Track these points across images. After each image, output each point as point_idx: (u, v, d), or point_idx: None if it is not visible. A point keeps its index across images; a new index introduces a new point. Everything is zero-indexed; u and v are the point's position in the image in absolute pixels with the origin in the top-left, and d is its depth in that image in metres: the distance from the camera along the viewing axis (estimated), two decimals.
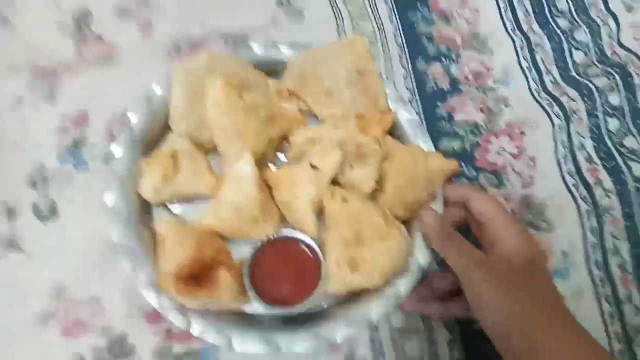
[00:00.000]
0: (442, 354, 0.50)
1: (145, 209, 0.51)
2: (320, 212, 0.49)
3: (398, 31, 0.66)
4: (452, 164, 0.51)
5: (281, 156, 0.55)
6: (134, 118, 0.52)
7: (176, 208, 0.52)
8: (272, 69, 0.57)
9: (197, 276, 0.42)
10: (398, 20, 0.67)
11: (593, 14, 0.69)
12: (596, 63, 0.65)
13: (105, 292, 0.49)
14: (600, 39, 0.67)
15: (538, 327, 0.39)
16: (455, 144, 0.60)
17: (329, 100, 0.55)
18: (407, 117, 0.55)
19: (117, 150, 0.51)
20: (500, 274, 0.42)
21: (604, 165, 0.59)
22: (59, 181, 0.53)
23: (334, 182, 0.50)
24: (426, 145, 0.54)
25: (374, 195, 0.51)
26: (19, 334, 0.47)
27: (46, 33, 0.62)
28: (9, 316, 0.47)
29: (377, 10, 0.67)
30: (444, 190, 0.51)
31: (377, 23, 0.67)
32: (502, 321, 0.40)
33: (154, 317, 0.47)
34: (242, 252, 0.49)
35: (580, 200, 0.57)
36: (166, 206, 0.52)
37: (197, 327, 0.44)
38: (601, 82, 0.63)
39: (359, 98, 0.55)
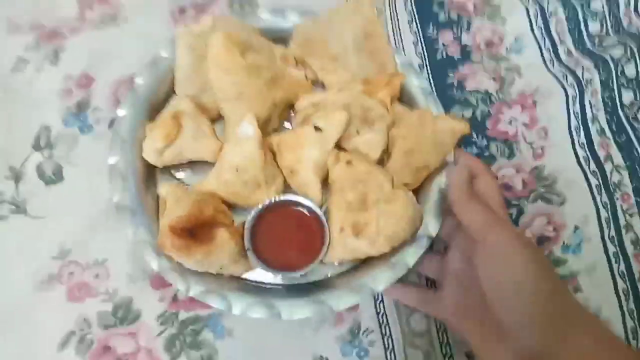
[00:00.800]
0: (449, 330, 0.49)
1: (149, 172, 0.50)
2: (325, 178, 0.48)
3: None
4: (462, 124, 0.49)
5: (288, 126, 0.54)
6: (139, 81, 0.52)
7: (180, 174, 0.52)
8: (279, 37, 0.56)
9: (194, 231, 0.42)
10: None
11: None
12: (612, 33, 0.63)
13: (111, 256, 0.49)
14: (618, 8, 0.65)
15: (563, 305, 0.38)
16: (466, 113, 0.58)
17: (336, 65, 0.54)
18: (417, 83, 0.54)
19: (122, 112, 0.50)
20: (521, 237, 0.40)
21: (615, 140, 0.57)
22: (64, 144, 0.53)
23: (340, 148, 0.49)
24: (437, 111, 0.53)
25: (381, 161, 0.50)
26: (24, 297, 0.47)
27: None
28: (15, 279, 0.47)
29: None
30: (457, 153, 0.49)
31: None
32: (519, 288, 0.38)
33: (159, 282, 0.47)
34: (244, 219, 0.47)
35: (590, 175, 0.56)
36: (170, 172, 0.52)
37: (196, 289, 0.44)
38: (617, 52, 0.61)
39: (367, 63, 0.53)
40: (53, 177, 0.51)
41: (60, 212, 0.50)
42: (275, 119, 0.52)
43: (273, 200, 0.47)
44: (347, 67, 0.53)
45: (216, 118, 0.53)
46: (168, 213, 0.43)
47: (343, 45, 0.53)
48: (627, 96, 0.60)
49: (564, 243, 0.53)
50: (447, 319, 0.45)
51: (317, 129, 0.47)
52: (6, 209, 0.50)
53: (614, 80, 0.60)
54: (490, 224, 0.41)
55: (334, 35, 0.54)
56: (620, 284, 0.51)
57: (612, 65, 0.61)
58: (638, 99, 0.60)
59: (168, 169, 0.51)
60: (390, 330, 0.49)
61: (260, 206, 0.46)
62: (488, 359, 0.41)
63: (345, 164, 0.46)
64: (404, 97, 0.53)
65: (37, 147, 0.52)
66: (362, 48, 0.53)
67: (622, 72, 0.61)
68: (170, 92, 0.52)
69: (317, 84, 0.55)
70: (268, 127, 0.51)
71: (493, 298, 0.39)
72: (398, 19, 0.63)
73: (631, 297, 0.51)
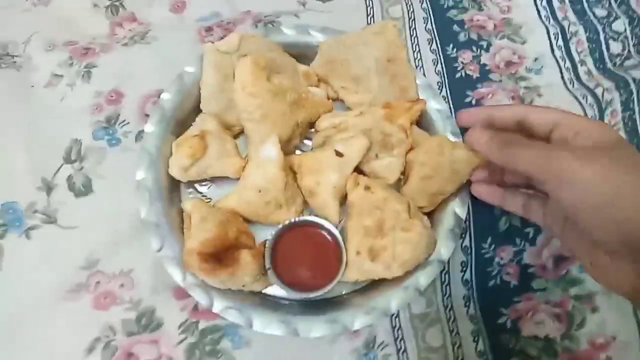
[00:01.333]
0: (465, 345, 0.50)
1: (174, 187, 0.53)
2: (343, 200, 0.50)
3: (428, 16, 0.65)
4: (478, 157, 0.50)
5: (308, 143, 0.55)
6: (166, 97, 0.54)
7: (204, 188, 0.54)
8: (302, 54, 0.58)
9: (219, 255, 0.44)
10: (429, 5, 0.66)
11: (633, 4, 0.66)
12: (634, 54, 0.63)
13: (136, 267, 0.50)
14: None
15: None
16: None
17: (357, 87, 0.55)
18: (436, 107, 0.55)
19: (149, 128, 0.52)
20: (590, 151, 0.36)
21: None
22: (93, 157, 0.55)
23: (358, 170, 0.50)
24: (455, 137, 0.54)
25: (398, 184, 0.51)
26: (53, 304, 0.49)
27: (83, 12, 0.63)
28: (44, 287, 0.49)
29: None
30: (495, 110, 0.46)
31: (407, 8, 0.66)
32: (610, 199, 0.34)
33: (181, 293, 0.49)
34: (264, 235, 0.50)
35: None
36: (194, 185, 0.54)
37: (218, 305, 0.46)
38: (638, 73, 0.61)
39: (388, 86, 0.55)
40: (83, 189, 0.53)
41: (89, 223, 0.52)
42: (297, 138, 0.54)
43: (293, 221, 0.48)
44: (368, 89, 0.54)
45: (239, 134, 0.55)
46: (194, 232, 0.45)
47: (365, 67, 0.55)
48: None
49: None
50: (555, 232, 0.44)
51: (337, 153, 0.48)
52: (38, 219, 0.52)
53: (635, 101, 0.60)
54: (549, 156, 0.37)
55: (357, 56, 0.55)
56: None
57: (633, 85, 0.61)
58: None
59: (192, 183, 0.53)
60: (405, 345, 0.50)
61: (280, 226, 0.48)
62: (604, 280, 0.40)
63: (364, 189, 0.47)
64: (422, 120, 0.55)
65: (68, 159, 0.54)
66: (384, 71, 0.54)
67: None
68: (196, 107, 0.54)
69: (338, 101, 0.57)
70: (289, 145, 0.53)
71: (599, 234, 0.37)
72: (417, 37, 0.64)
73: None
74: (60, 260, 0.50)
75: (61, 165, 0.54)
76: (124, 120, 0.57)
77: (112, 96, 0.57)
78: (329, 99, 0.57)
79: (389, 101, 0.53)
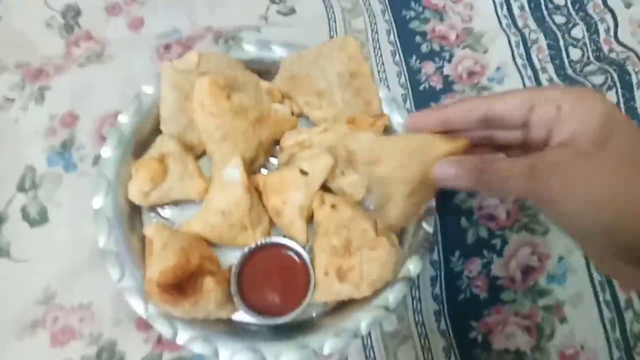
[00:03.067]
0: None
1: (135, 212, 0.51)
2: (309, 219, 0.49)
3: (391, 28, 0.65)
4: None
5: (274, 161, 0.54)
6: (123, 119, 0.52)
7: (167, 212, 0.52)
8: (264, 70, 0.57)
9: (181, 284, 0.42)
10: (391, 17, 0.66)
11: (590, 10, 0.68)
12: (593, 60, 0.64)
13: (95, 298, 0.49)
14: (598, 35, 0.66)
15: None
16: None
17: (321, 102, 0.54)
18: (400, 120, 0.55)
19: (106, 152, 0.50)
20: (574, 155, 0.31)
21: None
22: (48, 184, 0.52)
23: (325, 188, 0.49)
24: None
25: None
26: (5, 344, 0.47)
27: (36, 31, 0.61)
28: None
29: (370, 7, 0.66)
30: (451, 110, 0.38)
31: (369, 20, 0.66)
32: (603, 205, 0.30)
33: (144, 324, 0.47)
34: (229, 258, 0.48)
35: None
36: (156, 209, 0.52)
37: (183, 336, 0.44)
38: (598, 79, 0.62)
39: (352, 100, 0.54)
40: (38, 218, 0.51)
41: (45, 254, 0.50)
42: (262, 156, 0.53)
43: (259, 243, 0.47)
44: (332, 104, 0.54)
45: (201, 154, 0.54)
46: (154, 261, 0.43)
47: (328, 81, 0.54)
48: None
49: (548, 273, 0.53)
50: None
51: (302, 172, 0.48)
52: None
53: None
54: (535, 184, 0.32)
55: (320, 71, 0.54)
56: (606, 314, 0.52)
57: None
58: None
59: (154, 207, 0.52)
60: None
61: (246, 250, 0.47)
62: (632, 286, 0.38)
63: (330, 208, 0.47)
64: (386, 133, 0.54)
65: (21, 188, 0.52)
66: (347, 85, 0.54)
67: None
68: (156, 128, 0.52)
69: (303, 116, 0.56)
70: (254, 164, 0.52)
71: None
72: (381, 49, 0.64)
73: (617, 326, 0.51)
74: (14, 295, 0.48)
75: (14, 194, 0.52)
76: (80, 144, 0.54)
77: (67, 119, 0.55)
78: (293, 114, 0.56)
79: (354, 115, 0.53)
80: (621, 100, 0.61)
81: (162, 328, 0.44)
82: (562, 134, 0.33)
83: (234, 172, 0.47)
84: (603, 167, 0.31)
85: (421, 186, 0.40)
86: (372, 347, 0.50)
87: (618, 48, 0.65)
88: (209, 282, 0.43)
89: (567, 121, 0.33)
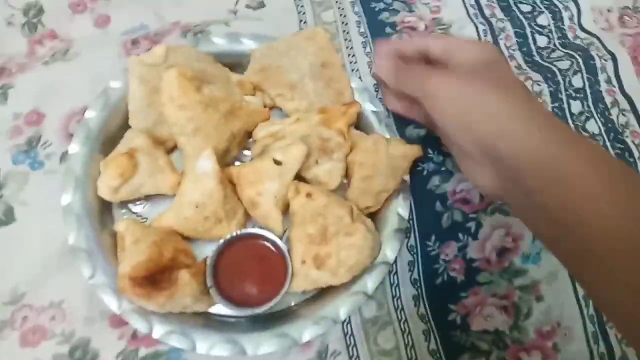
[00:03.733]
0: (417, 345, 0.49)
1: (104, 208, 0.50)
2: (285, 209, 0.49)
3: (361, 20, 0.66)
4: (414, 149, 0.51)
5: (247, 153, 0.54)
6: (90, 114, 0.51)
7: (138, 207, 0.51)
8: (235, 62, 0.56)
9: (154, 277, 0.41)
10: (361, 9, 0.66)
11: None
12: (559, 47, 0.66)
13: (66, 296, 0.47)
14: (563, 22, 0.68)
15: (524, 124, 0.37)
16: (421, 131, 0.59)
17: (293, 93, 0.54)
18: (373, 109, 0.55)
19: (74, 148, 0.49)
20: (460, 69, 0.42)
21: None
22: (14, 183, 0.51)
23: (300, 178, 0.49)
24: (392, 135, 0.54)
25: (341, 187, 0.51)
26: None
27: None
28: None
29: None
30: (403, 44, 0.51)
31: (339, 12, 0.66)
32: (480, 126, 0.39)
33: (117, 320, 0.46)
34: (205, 252, 0.48)
35: None
36: (127, 205, 0.51)
37: (159, 330, 0.44)
38: (564, 64, 0.64)
39: (324, 91, 0.54)
40: (4, 218, 0.49)
41: (13, 254, 0.48)
42: (235, 149, 0.52)
43: (234, 235, 0.47)
44: (304, 95, 0.54)
45: (173, 148, 0.53)
46: (126, 256, 0.42)
47: (300, 72, 0.54)
48: (576, 106, 0.62)
49: (523, 253, 0.54)
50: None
51: (276, 162, 0.47)
52: None
53: (562, 92, 0.62)
54: (427, 81, 0.42)
55: (291, 62, 0.54)
56: (580, 291, 0.52)
57: (559, 76, 0.63)
58: (585, 108, 0.62)
59: (125, 203, 0.51)
60: (357, 351, 0.49)
61: (221, 241, 0.46)
62: (472, 180, 0.44)
63: (305, 197, 0.47)
64: (360, 122, 0.54)
65: None
66: (319, 76, 0.54)
67: (570, 83, 0.63)
68: (124, 123, 0.51)
69: (275, 108, 0.56)
70: (227, 157, 0.51)
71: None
72: (352, 41, 0.64)
73: (591, 302, 0.52)
74: None
75: None
76: (46, 142, 0.53)
77: (32, 117, 0.54)
78: (265, 107, 0.56)
79: (326, 106, 0.52)
80: (586, 83, 0.63)
81: (137, 323, 0.43)
82: (455, 62, 0.44)
83: (207, 163, 0.47)
84: (473, 79, 0.41)
85: (377, 172, 0.49)
86: (352, 333, 0.50)
87: (582, 34, 0.67)
88: (184, 275, 0.42)
89: (462, 61, 0.43)
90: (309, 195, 0.47)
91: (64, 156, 0.52)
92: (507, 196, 0.41)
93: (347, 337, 0.49)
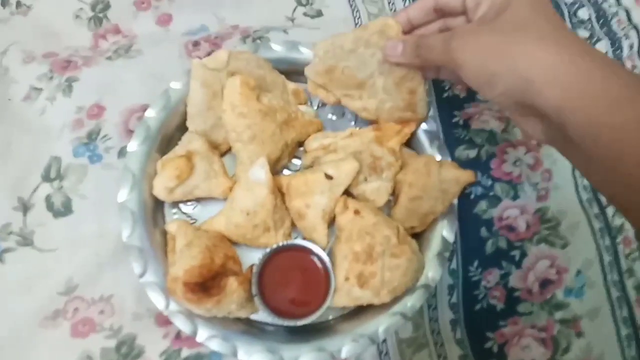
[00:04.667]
0: None
1: (157, 206, 0.51)
2: (331, 222, 0.49)
3: None
4: (467, 175, 0.51)
5: (297, 162, 0.55)
6: (151, 114, 0.52)
7: (189, 208, 0.52)
8: (291, 70, 0.57)
9: (205, 283, 0.42)
10: None
11: (615, 26, 0.67)
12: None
13: (116, 292, 0.49)
14: (621, 51, 0.66)
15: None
16: (471, 153, 0.59)
17: (361, 93, 0.51)
18: (425, 127, 0.54)
19: (132, 147, 0.50)
20: (476, 27, 0.39)
21: None
22: (73, 176, 0.53)
23: (347, 193, 0.50)
24: (442, 156, 0.53)
25: (388, 205, 0.51)
26: (27, 333, 0.47)
27: (64, 23, 0.61)
28: (19, 314, 0.47)
29: (396, 11, 0.66)
30: (409, 10, 0.48)
31: None
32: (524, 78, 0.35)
33: (163, 319, 0.47)
34: (251, 258, 0.49)
35: (593, 218, 0.57)
36: (178, 205, 0.52)
37: (203, 334, 0.45)
38: None
39: (394, 89, 0.50)
40: (62, 209, 0.51)
41: (68, 245, 0.50)
42: (286, 157, 0.53)
43: (281, 245, 0.47)
44: (373, 94, 0.51)
45: (226, 152, 0.54)
46: (179, 259, 0.43)
47: (368, 70, 0.50)
48: None
49: (566, 287, 0.53)
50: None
51: (327, 176, 0.48)
52: (13, 241, 0.50)
53: None
54: (447, 49, 0.40)
55: (358, 60, 0.50)
56: (623, 330, 0.52)
57: None
58: None
59: (176, 203, 0.52)
60: None
61: (268, 250, 0.47)
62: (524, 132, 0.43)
63: (353, 213, 0.47)
64: (411, 140, 0.54)
65: (46, 178, 0.52)
66: (388, 73, 0.50)
67: None
68: (182, 125, 0.52)
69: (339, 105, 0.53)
70: (278, 165, 0.52)
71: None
72: None
73: (634, 343, 0.51)
74: (36, 285, 0.48)
75: (39, 184, 0.52)
76: (105, 135, 0.55)
77: (93, 110, 0.56)
78: (327, 104, 0.54)
79: (397, 105, 0.51)
80: None
81: (182, 325, 0.45)
82: (478, 12, 0.41)
83: (260, 172, 0.48)
84: (491, 31, 0.38)
85: (426, 194, 0.49)
86: (387, 353, 0.50)
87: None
88: (232, 283, 0.43)
89: (483, 1, 0.40)
90: (357, 212, 0.47)
91: (122, 151, 0.54)
92: (557, 145, 0.40)
93: (382, 356, 0.50)
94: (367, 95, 0.51)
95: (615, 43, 0.67)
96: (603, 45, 0.66)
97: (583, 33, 0.67)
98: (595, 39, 0.67)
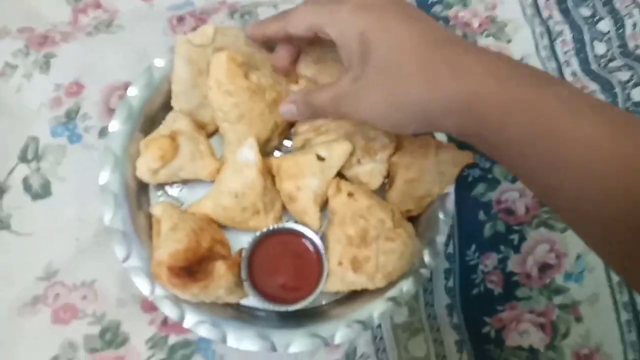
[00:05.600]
0: (449, 356, 0.48)
1: (141, 189, 0.49)
2: (324, 205, 0.47)
3: None
4: (465, 156, 0.49)
5: (288, 143, 0.52)
6: (133, 92, 0.49)
7: (175, 190, 0.50)
8: None
9: (191, 267, 0.41)
10: (414, 1, 0.64)
11: (618, 5, 0.65)
12: (618, 55, 0.63)
13: (99, 277, 0.47)
14: (624, 30, 0.64)
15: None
16: None
17: None
18: None
19: (114, 126, 0.48)
20: (351, 80, 0.38)
21: None
22: (52, 157, 0.50)
23: (340, 175, 0.48)
24: (441, 137, 0.52)
25: (382, 188, 0.49)
26: (6, 320, 0.45)
27: None
28: None
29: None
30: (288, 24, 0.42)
31: None
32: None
33: (149, 305, 0.45)
34: (240, 242, 0.47)
35: None
36: (164, 187, 0.50)
37: (190, 320, 0.43)
38: (623, 75, 0.60)
39: None
40: (40, 191, 0.49)
41: (48, 229, 0.48)
42: (276, 138, 0.50)
43: (271, 228, 0.45)
44: None
45: (212, 133, 0.52)
46: (163, 242, 0.41)
47: None
48: None
49: (566, 271, 0.52)
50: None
51: (319, 157, 0.46)
52: None
53: (620, 104, 0.59)
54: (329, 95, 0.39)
55: None
56: (623, 315, 0.51)
57: (617, 88, 0.60)
58: None
59: (162, 185, 0.50)
60: (387, 357, 0.48)
61: (258, 234, 0.45)
62: None
63: (347, 196, 0.45)
64: None
65: (23, 159, 0.50)
66: None
67: (629, 96, 0.60)
68: (166, 104, 0.50)
69: None
70: (268, 146, 0.50)
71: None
72: None
73: (634, 328, 0.50)
74: (15, 270, 0.46)
75: (16, 165, 0.50)
76: (85, 114, 0.52)
77: (72, 88, 0.53)
78: None
79: None
80: None
81: (169, 311, 0.43)
82: (345, 62, 0.39)
83: (249, 153, 0.45)
84: (368, 85, 0.36)
85: (423, 176, 0.48)
86: (382, 338, 0.49)
87: None
88: (220, 267, 0.41)
89: (341, 48, 0.38)
90: (350, 194, 0.45)
91: (103, 131, 0.51)
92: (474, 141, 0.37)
93: (377, 341, 0.49)
94: None
95: (618, 22, 0.65)
96: (606, 24, 0.64)
97: (585, 11, 0.65)
98: (597, 17, 0.65)
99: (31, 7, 0.57)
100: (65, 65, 0.54)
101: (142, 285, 0.44)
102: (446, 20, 0.63)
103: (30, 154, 0.50)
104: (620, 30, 0.64)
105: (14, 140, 0.50)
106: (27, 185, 0.49)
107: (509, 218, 0.53)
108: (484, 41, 0.62)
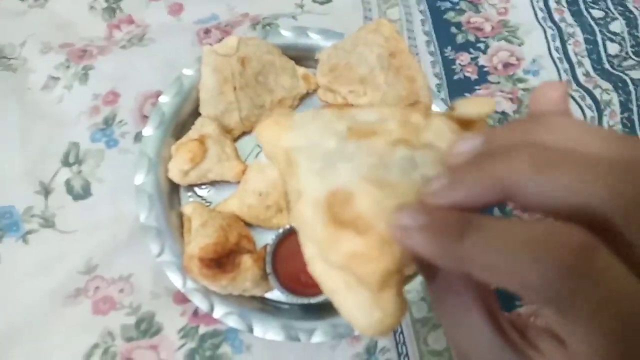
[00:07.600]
0: None
1: (173, 190, 0.52)
2: None
3: (426, 18, 0.65)
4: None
5: None
6: (164, 100, 0.53)
7: (203, 191, 0.53)
8: (301, 55, 0.58)
9: (220, 260, 0.43)
10: (426, 8, 0.66)
11: (630, 5, 0.67)
12: (631, 55, 0.64)
13: (135, 271, 0.50)
14: (637, 30, 0.66)
15: None
16: None
17: (365, 87, 0.53)
18: (436, 109, 0.55)
19: (148, 131, 0.52)
20: None
21: None
22: (91, 160, 0.54)
23: None
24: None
25: None
26: (51, 310, 0.48)
27: (79, 14, 0.63)
28: (42, 292, 0.49)
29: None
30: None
31: (405, 10, 0.66)
32: None
33: (181, 297, 0.48)
34: (265, 239, 0.49)
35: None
36: (193, 189, 0.53)
37: (219, 311, 0.46)
38: (636, 74, 0.62)
39: (395, 80, 0.53)
40: (81, 192, 0.53)
41: (88, 227, 0.51)
42: None
43: (294, 225, 0.48)
44: (376, 87, 0.53)
45: (239, 137, 0.55)
46: (194, 237, 0.44)
47: (369, 66, 0.53)
48: None
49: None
50: None
51: None
52: (36, 223, 0.51)
53: (633, 101, 0.60)
54: None
55: (359, 57, 0.54)
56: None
57: (631, 86, 0.61)
58: None
59: (191, 187, 0.53)
60: (407, 349, 0.50)
61: (281, 230, 0.48)
62: None
63: None
64: None
65: (66, 162, 0.54)
66: (388, 66, 0.53)
67: None
68: (195, 110, 0.54)
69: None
70: None
71: None
72: (415, 39, 0.64)
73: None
74: (58, 265, 0.50)
75: (59, 169, 0.54)
76: (121, 121, 0.56)
77: (109, 97, 0.57)
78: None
79: (399, 95, 0.52)
80: None
81: (199, 302, 0.46)
82: None
83: None
84: None
85: None
86: (402, 332, 0.50)
87: None
88: (246, 260, 0.44)
89: None
90: None
91: (137, 136, 0.55)
92: None
93: (397, 335, 0.50)
94: (370, 90, 0.53)
95: (631, 23, 0.66)
96: (618, 25, 0.66)
97: (597, 13, 0.67)
98: (609, 18, 0.66)
99: (70, 25, 0.62)
100: (102, 76, 0.58)
101: (175, 279, 0.47)
102: (459, 26, 0.65)
103: (71, 158, 0.54)
104: (634, 31, 0.66)
105: (57, 146, 0.54)
106: (69, 187, 0.53)
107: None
108: (497, 44, 0.64)
